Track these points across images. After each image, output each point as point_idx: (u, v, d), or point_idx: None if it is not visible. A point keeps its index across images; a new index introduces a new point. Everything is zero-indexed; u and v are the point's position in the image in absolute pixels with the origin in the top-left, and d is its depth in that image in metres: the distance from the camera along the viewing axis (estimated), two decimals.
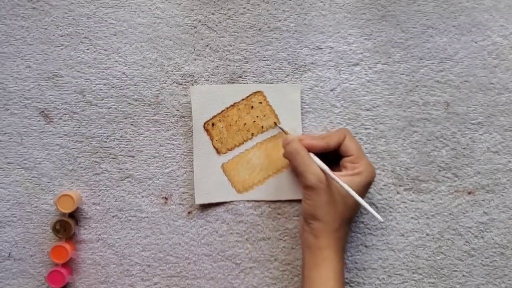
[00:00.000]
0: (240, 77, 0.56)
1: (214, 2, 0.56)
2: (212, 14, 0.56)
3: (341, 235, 0.48)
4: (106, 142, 0.55)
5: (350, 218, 0.49)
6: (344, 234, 0.49)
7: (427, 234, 0.55)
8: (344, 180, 0.47)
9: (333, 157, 0.51)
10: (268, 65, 0.56)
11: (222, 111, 0.55)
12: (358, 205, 0.48)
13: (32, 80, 0.55)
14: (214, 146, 0.55)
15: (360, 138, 0.55)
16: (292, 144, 0.49)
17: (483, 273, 0.55)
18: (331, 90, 0.55)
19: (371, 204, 0.55)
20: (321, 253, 0.47)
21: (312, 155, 0.49)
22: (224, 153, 0.55)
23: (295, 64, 0.56)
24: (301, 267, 0.55)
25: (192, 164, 0.55)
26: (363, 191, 0.49)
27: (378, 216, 0.46)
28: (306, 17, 0.56)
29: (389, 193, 0.55)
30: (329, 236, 0.47)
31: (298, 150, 0.49)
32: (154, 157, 0.55)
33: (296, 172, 0.50)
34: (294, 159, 0.49)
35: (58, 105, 0.55)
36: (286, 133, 0.54)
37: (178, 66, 0.56)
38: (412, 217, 0.55)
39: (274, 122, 0.54)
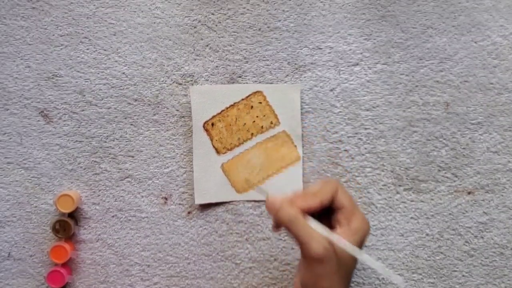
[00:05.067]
0: (240, 77, 0.56)
1: (214, 2, 0.56)
2: (212, 14, 0.56)
3: None
4: (105, 142, 0.55)
5: (350, 280, 0.44)
6: None
7: (427, 234, 0.55)
8: (346, 240, 0.41)
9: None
10: (268, 65, 0.56)
11: (222, 111, 0.55)
12: (357, 261, 0.43)
13: (31, 80, 0.55)
14: (213, 146, 0.55)
15: (360, 138, 0.55)
16: (286, 211, 0.41)
17: (483, 273, 0.55)
18: (331, 90, 0.55)
19: (371, 204, 0.55)
20: None
21: (309, 218, 0.42)
22: (223, 153, 0.55)
23: (295, 64, 0.56)
24: None
25: (192, 164, 0.55)
26: (360, 247, 0.43)
27: (399, 281, 0.41)
28: (306, 17, 0.56)
29: (389, 193, 0.55)
30: None
31: (295, 216, 0.41)
32: (154, 157, 0.55)
33: (295, 241, 0.42)
34: (293, 228, 0.41)
35: (58, 105, 0.55)
36: (266, 194, 0.43)
37: (178, 66, 0.56)
38: (411, 217, 0.55)
39: (257, 186, 0.51)
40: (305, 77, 0.56)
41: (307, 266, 0.41)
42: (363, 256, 0.41)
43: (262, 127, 0.55)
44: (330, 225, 0.43)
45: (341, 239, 0.41)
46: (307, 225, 0.41)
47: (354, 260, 0.42)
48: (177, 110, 0.55)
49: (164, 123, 0.55)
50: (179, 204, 0.55)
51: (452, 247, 0.55)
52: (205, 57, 0.56)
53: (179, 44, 0.56)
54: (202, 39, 0.56)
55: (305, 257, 0.41)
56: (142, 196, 0.55)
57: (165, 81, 0.56)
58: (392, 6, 0.56)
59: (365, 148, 0.55)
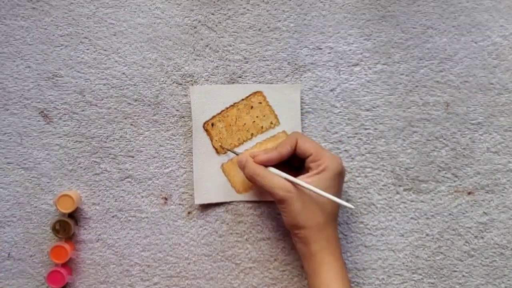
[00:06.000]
0: (240, 77, 0.56)
1: (214, 2, 0.56)
2: (212, 14, 0.56)
3: (330, 233, 0.48)
4: (106, 142, 0.55)
5: (333, 214, 0.49)
6: (333, 232, 0.48)
7: (427, 234, 0.55)
8: (311, 180, 0.47)
9: (298, 163, 0.51)
10: (268, 65, 0.56)
11: (222, 111, 0.55)
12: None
13: (32, 80, 0.55)
14: (213, 146, 0.55)
15: (360, 138, 0.55)
16: (249, 167, 0.50)
17: (483, 273, 0.55)
18: (331, 90, 0.55)
19: (371, 204, 0.55)
20: (316, 259, 0.47)
21: (271, 168, 0.49)
22: (223, 153, 0.55)
23: (295, 64, 0.56)
24: (302, 268, 0.55)
25: (192, 164, 0.55)
26: (335, 183, 0.48)
27: (348, 204, 0.46)
28: (306, 17, 0.56)
29: (389, 193, 0.55)
30: (318, 239, 0.47)
31: (256, 171, 0.49)
32: (154, 157, 0.55)
33: (264, 190, 0.49)
34: (256, 181, 0.49)
35: (58, 105, 0.55)
36: (236, 153, 0.54)
37: (178, 66, 0.56)
38: (412, 217, 0.55)
39: (224, 148, 0.54)
40: (305, 77, 0.56)
41: (280, 209, 0.49)
42: (316, 190, 0.46)
43: (262, 127, 0.55)
44: (307, 172, 0.49)
45: (294, 178, 0.48)
46: (269, 175, 0.49)
47: (327, 199, 0.47)
48: (177, 110, 0.55)
49: (164, 123, 0.55)
50: (179, 204, 0.55)
51: (452, 247, 0.55)
52: (205, 57, 0.56)
53: (179, 44, 0.56)
54: (202, 39, 0.56)
55: (275, 201, 0.49)
56: (142, 196, 0.55)
57: (165, 81, 0.56)
58: (392, 6, 0.56)
59: (365, 148, 0.55)
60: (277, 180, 0.48)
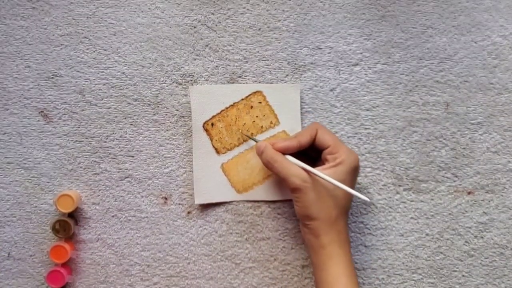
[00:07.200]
0: (240, 77, 0.56)
1: (214, 2, 0.56)
2: (212, 14, 0.56)
3: (341, 227, 0.48)
4: (105, 142, 0.55)
5: (345, 208, 0.49)
6: (344, 225, 0.49)
7: (427, 234, 0.55)
8: (327, 172, 0.47)
9: (315, 154, 0.51)
10: (267, 65, 0.56)
11: (222, 111, 0.55)
12: (349, 193, 0.48)
13: (31, 80, 0.55)
14: (213, 146, 0.55)
15: (360, 138, 0.55)
16: (267, 153, 0.50)
17: (483, 273, 0.55)
18: (331, 90, 0.55)
19: (370, 204, 0.55)
20: (325, 252, 0.47)
21: (289, 157, 0.49)
22: (223, 153, 0.55)
23: (295, 64, 0.56)
24: (301, 268, 0.55)
25: (192, 164, 0.55)
26: (350, 178, 0.48)
27: (366, 198, 0.46)
28: (305, 17, 0.56)
29: (389, 193, 0.55)
30: (329, 231, 0.47)
31: (273, 157, 0.49)
32: (154, 157, 0.55)
33: (279, 178, 0.50)
34: (273, 167, 0.49)
35: (58, 105, 0.55)
36: (256, 141, 0.54)
37: (178, 66, 0.56)
38: (411, 217, 0.55)
39: (241, 131, 0.54)
40: (305, 77, 0.56)
41: (293, 198, 0.49)
42: (332, 181, 0.47)
43: (262, 127, 0.55)
44: (323, 164, 0.49)
45: (313, 169, 0.47)
46: (285, 163, 0.48)
47: (340, 189, 0.47)
48: (177, 110, 0.55)
49: (164, 123, 0.55)
50: (179, 204, 0.55)
51: (452, 247, 0.55)
52: (205, 57, 0.56)
53: (179, 44, 0.56)
54: (202, 39, 0.56)
55: (289, 190, 0.49)
56: (142, 196, 0.55)
57: (165, 81, 0.56)
58: (392, 6, 0.56)
59: (365, 148, 0.55)
60: (294, 168, 0.48)
